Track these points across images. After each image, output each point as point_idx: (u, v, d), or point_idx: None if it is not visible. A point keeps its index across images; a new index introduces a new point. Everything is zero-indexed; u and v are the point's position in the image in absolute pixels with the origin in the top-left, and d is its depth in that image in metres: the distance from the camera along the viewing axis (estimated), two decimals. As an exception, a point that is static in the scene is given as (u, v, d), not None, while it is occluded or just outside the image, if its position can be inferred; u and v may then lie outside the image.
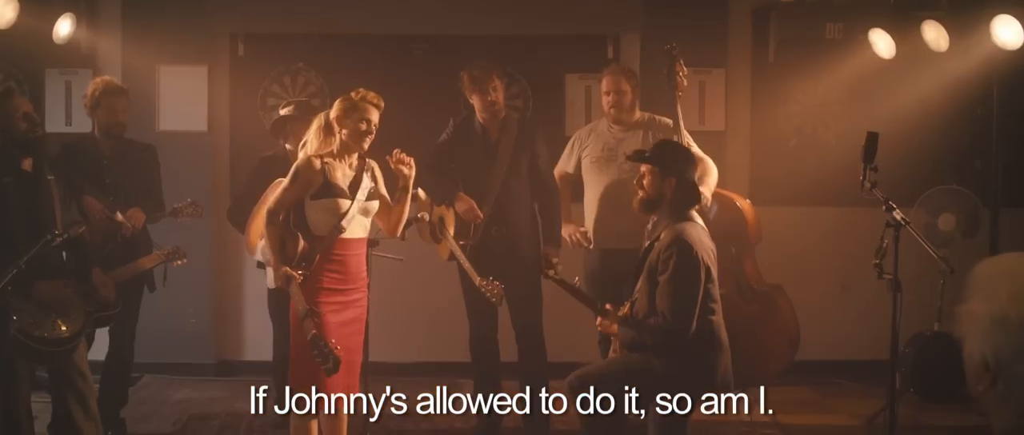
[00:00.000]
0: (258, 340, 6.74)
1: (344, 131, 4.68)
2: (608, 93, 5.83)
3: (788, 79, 7.34)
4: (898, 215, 4.93)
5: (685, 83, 5.85)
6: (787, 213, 7.12)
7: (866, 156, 4.94)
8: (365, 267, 4.85)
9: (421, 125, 7.02)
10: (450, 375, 7.01)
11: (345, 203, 4.68)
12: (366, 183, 4.75)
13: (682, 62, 5.82)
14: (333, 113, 4.73)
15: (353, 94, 4.71)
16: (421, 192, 5.51)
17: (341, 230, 4.66)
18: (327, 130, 4.73)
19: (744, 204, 6.06)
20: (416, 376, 7.05)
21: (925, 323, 6.75)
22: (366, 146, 4.73)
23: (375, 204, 4.81)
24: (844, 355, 7.31)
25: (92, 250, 5.14)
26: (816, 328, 6.26)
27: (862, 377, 7.14)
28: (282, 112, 5.84)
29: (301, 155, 4.76)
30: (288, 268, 4.61)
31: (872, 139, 4.95)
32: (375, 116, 4.71)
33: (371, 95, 4.71)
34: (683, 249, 4.44)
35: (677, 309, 4.44)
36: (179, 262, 5.70)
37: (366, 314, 4.87)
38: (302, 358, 4.60)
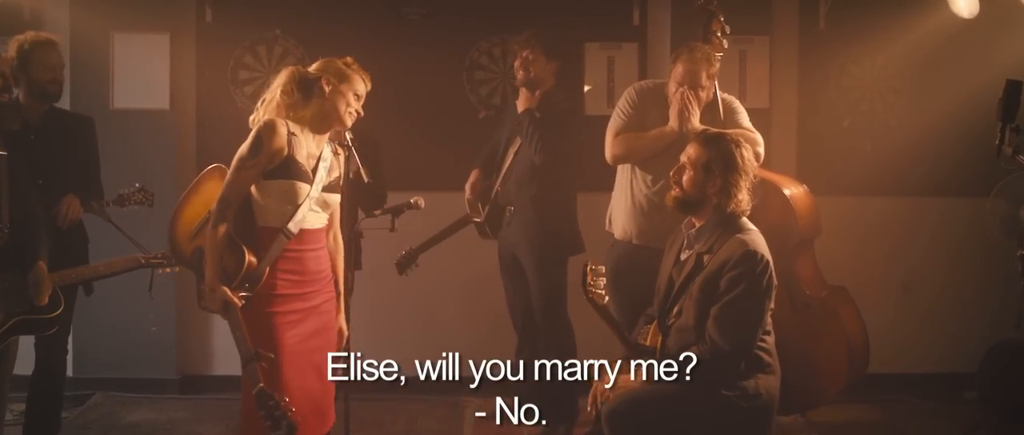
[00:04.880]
0: (228, 352, 6.12)
1: (326, 100, 4.02)
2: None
3: (842, 48, 6.85)
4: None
5: (725, 45, 5.28)
6: (839, 204, 6.64)
7: (1005, 113, 4.30)
8: (328, 263, 4.17)
9: (416, 102, 6.57)
10: (446, 391, 6.47)
11: (304, 189, 3.98)
12: (325, 168, 4.05)
13: (722, 19, 5.22)
14: (316, 70, 4.06)
15: (342, 61, 4.09)
16: (420, 200, 5.17)
17: (289, 235, 3.97)
18: (302, 89, 4.03)
19: (796, 191, 5.40)
20: (406, 393, 6.47)
21: (1006, 329, 6.22)
22: (349, 124, 4.09)
23: (335, 197, 4.13)
24: (909, 368, 6.86)
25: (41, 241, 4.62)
26: (875, 337, 5.80)
27: (931, 393, 6.68)
28: None
29: (259, 115, 4.03)
30: (227, 290, 3.87)
31: (1013, 89, 4.30)
32: (363, 95, 4.10)
33: (362, 70, 4.11)
34: (760, 267, 4.00)
35: (737, 336, 3.99)
36: (167, 269, 5.09)
37: (335, 320, 4.21)
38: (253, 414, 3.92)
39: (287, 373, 3.97)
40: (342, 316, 4.24)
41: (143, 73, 6.58)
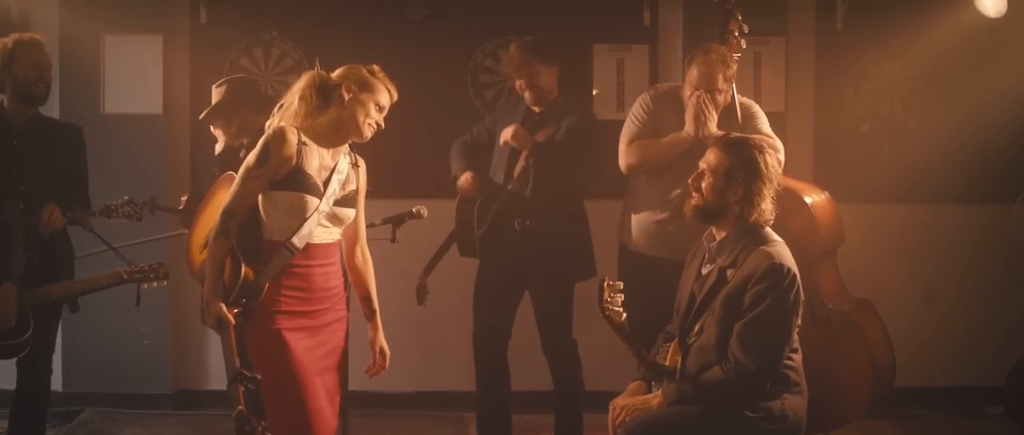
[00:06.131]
0: (224, 367, 6.04)
1: (346, 109, 3.85)
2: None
3: (860, 49, 6.70)
4: None
5: (742, 45, 5.11)
6: (857, 211, 6.38)
7: None
8: (340, 280, 4.01)
9: (418, 107, 6.37)
10: (449, 406, 6.47)
11: (312, 203, 3.81)
12: (339, 181, 3.89)
13: (740, 18, 5.05)
14: (337, 77, 3.89)
15: (367, 68, 3.92)
16: (423, 209, 4.95)
17: (292, 250, 3.80)
18: (322, 95, 3.86)
19: (818, 199, 5.20)
20: (407, 408, 6.51)
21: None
22: (367, 136, 3.91)
23: (349, 213, 3.96)
24: (929, 381, 6.67)
25: (14, 257, 4.49)
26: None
27: (953, 408, 6.52)
28: (215, 98, 5.10)
29: (275, 121, 3.87)
30: (222, 305, 3.72)
31: None
32: (387, 106, 3.93)
33: (388, 79, 3.93)
34: (787, 282, 3.79)
35: (763, 355, 3.79)
36: (154, 284, 4.93)
37: (344, 342, 4.05)
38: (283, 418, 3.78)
39: (309, 395, 3.81)
40: (380, 334, 4.13)
41: (135, 76, 6.43)
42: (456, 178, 5.40)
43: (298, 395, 3.79)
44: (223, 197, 3.91)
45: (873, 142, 6.74)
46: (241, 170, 3.83)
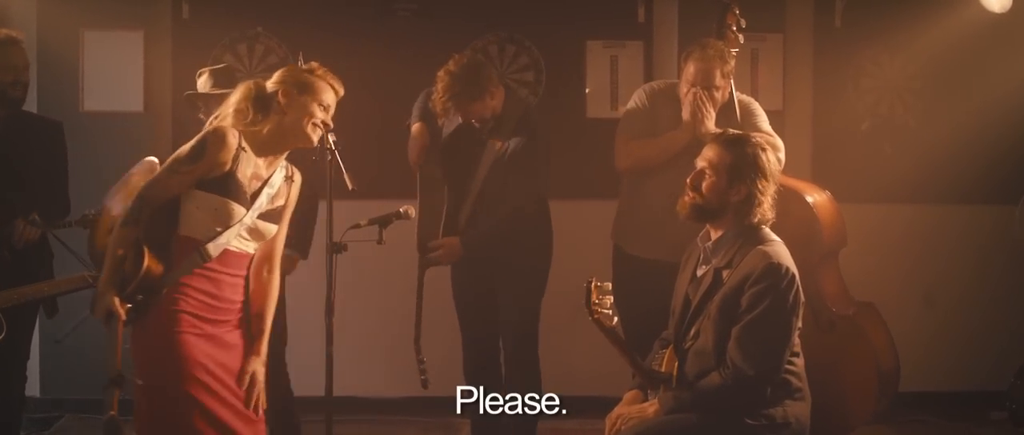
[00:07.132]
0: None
1: (287, 115, 3.64)
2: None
3: (859, 46, 6.60)
4: None
5: (740, 40, 4.99)
6: (857, 212, 6.26)
7: None
8: (243, 298, 3.73)
9: (407, 104, 6.23)
10: (440, 412, 6.14)
11: (237, 212, 3.59)
12: (269, 195, 3.68)
13: (738, 12, 4.95)
14: (274, 84, 3.68)
15: (306, 67, 3.73)
16: (411, 209, 4.80)
17: (204, 257, 3.56)
18: (259, 106, 3.64)
19: (819, 199, 5.11)
20: (397, 414, 6.39)
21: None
22: (315, 141, 3.71)
23: (271, 228, 3.72)
24: (931, 386, 6.57)
25: None
26: (894, 353, 5.60)
27: (953, 413, 6.44)
28: (201, 88, 5.04)
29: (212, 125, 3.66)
30: (117, 299, 3.45)
31: None
32: (333, 104, 3.72)
33: (330, 75, 3.72)
34: (785, 282, 3.67)
35: (762, 359, 3.67)
36: None
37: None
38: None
39: (211, 402, 3.56)
40: (259, 360, 3.73)
41: (115, 73, 6.36)
42: (409, 126, 5.25)
43: (189, 408, 3.54)
44: (139, 182, 3.68)
45: (873, 141, 6.65)
46: (169, 160, 3.59)
